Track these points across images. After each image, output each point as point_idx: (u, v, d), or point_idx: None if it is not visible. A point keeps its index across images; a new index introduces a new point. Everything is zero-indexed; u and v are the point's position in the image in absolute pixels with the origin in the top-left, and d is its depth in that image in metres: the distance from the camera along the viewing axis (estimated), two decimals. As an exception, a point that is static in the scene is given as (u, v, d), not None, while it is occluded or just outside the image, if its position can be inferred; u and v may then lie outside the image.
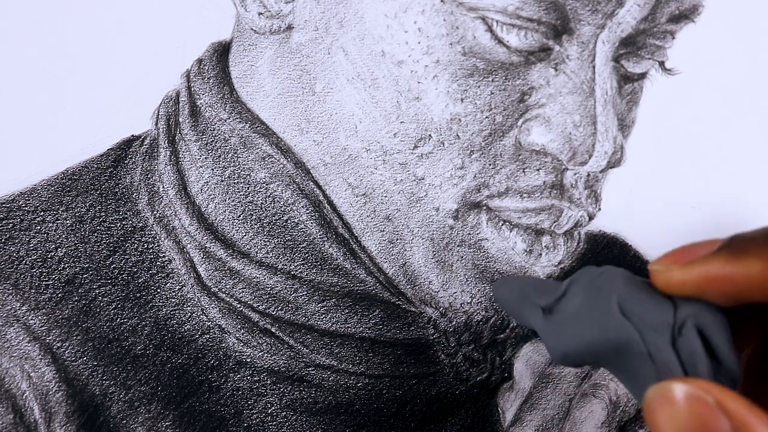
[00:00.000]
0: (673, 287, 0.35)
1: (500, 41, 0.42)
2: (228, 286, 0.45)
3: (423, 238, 0.45)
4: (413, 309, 0.47)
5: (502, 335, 0.47)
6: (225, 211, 0.46)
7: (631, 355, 0.36)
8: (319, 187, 0.45)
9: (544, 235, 0.46)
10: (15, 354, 0.44)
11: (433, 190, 0.44)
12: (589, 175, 0.45)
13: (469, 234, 0.45)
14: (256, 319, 0.45)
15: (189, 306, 0.46)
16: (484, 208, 0.45)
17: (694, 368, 0.34)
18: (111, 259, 0.46)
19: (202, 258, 0.46)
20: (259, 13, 0.45)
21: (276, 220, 0.46)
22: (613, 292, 0.37)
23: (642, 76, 0.46)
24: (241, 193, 0.46)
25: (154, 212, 0.46)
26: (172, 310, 0.46)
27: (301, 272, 0.46)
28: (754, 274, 0.32)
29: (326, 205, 0.45)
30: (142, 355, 0.45)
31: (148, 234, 0.46)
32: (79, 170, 0.47)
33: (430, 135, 0.43)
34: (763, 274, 0.32)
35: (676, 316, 0.35)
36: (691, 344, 0.34)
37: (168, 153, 0.47)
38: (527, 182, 0.44)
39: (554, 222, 0.45)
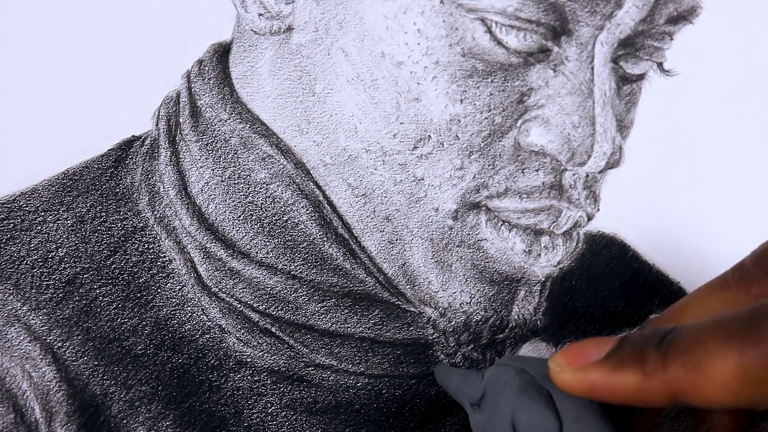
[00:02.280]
0: (566, 389, 0.37)
1: (499, 42, 0.42)
2: (228, 286, 0.46)
3: (422, 239, 0.45)
4: (413, 309, 0.47)
5: (501, 335, 0.48)
6: (225, 212, 0.46)
7: None
8: (319, 187, 0.45)
9: (543, 235, 0.46)
10: (16, 354, 0.44)
11: (432, 190, 0.44)
12: (587, 175, 0.45)
13: (469, 234, 0.45)
14: (256, 319, 0.46)
15: (189, 306, 0.46)
16: (484, 208, 0.45)
17: None
18: (112, 259, 0.46)
19: (203, 258, 0.46)
20: (260, 14, 0.45)
21: (276, 220, 0.46)
22: (506, 409, 0.39)
23: (640, 77, 0.46)
24: (242, 194, 0.46)
25: (155, 212, 0.47)
26: (172, 310, 0.46)
27: (301, 272, 0.46)
28: (632, 386, 0.35)
29: (326, 205, 0.45)
30: (142, 354, 0.45)
31: (149, 234, 0.46)
32: (79, 170, 0.47)
33: (429, 136, 0.43)
34: (639, 387, 0.34)
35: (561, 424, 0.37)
36: None
37: (168, 153, 0.47)
38: (526, 183, 0.44)
39: (553, 222, 0.45)
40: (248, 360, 0.46)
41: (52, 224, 0.46)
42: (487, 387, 0.41)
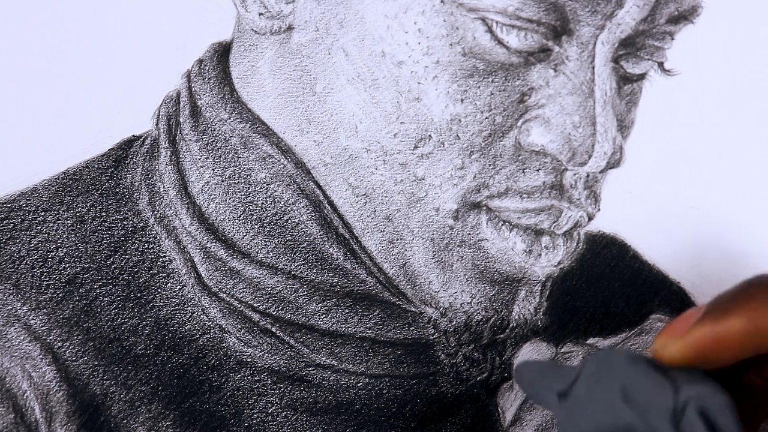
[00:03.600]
0: (675, 361, 0.36)
1: (500, 42, 0.42)
2: (228, 286, 0.45)
3: (423, 239, 0.45)
4: (413, 309, 0.47)
5: (502, 335, 0.48)
6: (225, 211, 0.46)
7: None
8: (320, 187, 0.45)
9: (544, 235, 0.46)
10: (16, 354, 0.44)
11: (433, 190, 0.44)
12: (588, 175, 0.45)
13: (469, 234, 0.45)
14: (256, 319, 0.46)
15: (189, 306, 0.46)
16: (484, 208, 0.45)
17: None
18: (112, 259, 0.46)
19: (203, 258, 0.46)
20: (260, 14, 0.45)
21: (276, 220, 0.46)
22: (615, 382, 0.38)
23: (641, 76, 0.46)
24: (242, 194, 0.46)
25: (155, 212, 0.47)
26: (172, 310, 0.46)
27: (301, 272, 0.46)
28: (740, 330, 0.34)
29: (326, 205, 0.45)
30: (142, 354, 0.45)
31: (149, 234, 0.46)
32: (79, 170, 0.47)
33: (430, 135, 0.43)
34: (748, 329, 0.34)
35: (677, 399, 0.36)
36: (693, 428, 0.35)
37: (169, 153, 0.47)
38: (527, 183, 0.44)
39: (554, 222, 0.45)
40: (248, 360, 0.46)
41: (52, 224, 0.46)
42: (588, 367, 0.40)
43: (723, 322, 0.35)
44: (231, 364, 0.46)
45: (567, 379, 0.40)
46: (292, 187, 0.45)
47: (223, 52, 0.48)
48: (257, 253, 0.46)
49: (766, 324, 0.34)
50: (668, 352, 0.36)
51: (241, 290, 0.46)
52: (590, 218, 0.47)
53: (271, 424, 0.46)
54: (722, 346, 0.35)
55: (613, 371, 0.38)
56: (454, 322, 0.47)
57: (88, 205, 0.47)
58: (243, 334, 0.46)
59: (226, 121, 0.46)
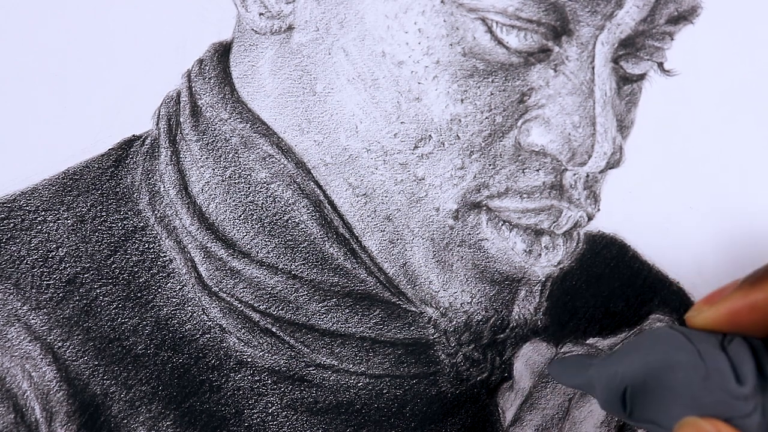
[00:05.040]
0: (709, 326, 0.37)
1: (500, 42, 0.42)
2: (229, 286, 0.45)
3: (423, 238, 0.45)
4: (414, 309, 0.47)
5: (502, 335, 0.48)
6: (226, 211, 0.46)
7: (678, 366, 0.36)
8: (320, 187, 0.45)
9: (544, 235, 0.46)
10: (16, 354, 0.44)
11: (433, 190, 0.44)
12: (588, 175, 0.45)
13: (469, 234, 0.45)
14: (256, 319, 0.46)
15: (190, 306, 0.46)
16: (484, 208, 0.45)
17: (742, 372, 0.35)
18: (112, 258, 0.46)
19: (203, 258, 0.46)
20: (260, 14, 0.45)
21: (277, 220, 0.46)
22: (657, 332, 0.38)
23: (641, 77, 0.46)
24: (242, 193, 0.46)
25: (155, 212, 0.47)
26: (172, 310, 0.46)
27: (301, 272, 0.46)
28: None
29: (327, 205, 0.45)
30: (143, 354, 0.45)
31: (149, 234, 0.46)
32: (80, 170, 0.47)
33: (430, 135, 0.43)
34: None
35: (725, 336, 0.37)
36: (740, 350, 0.35)
37: (169, 153, 0.47)
38: (527, 183, 0.44)
39: (554, 222, 0.45)
40: (249, 360, 0.46)
41: (52, 224, 0.46)
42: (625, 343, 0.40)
43: (757, 288, 0.35)
44: (231, 363, 0.46)
45: (603, 355, 0.40)
46: (292, 186, 0.45)
47: (223, 52, 0.48)
48: (257, 252, 0.46)
49: None
50: (701, 317, 0.37)
51: (241, 290, 0.46)
52: (590, 218, 0.47)
53: (272, 424, 0.46)
54: (755, 311, 0.35)
55: (655, 330, 0.38)
56: (454, 322, 0.47)
57: (89, 204, 0.47)
58: (243, 333, 0.46)
59: (226, 120, 0.46)
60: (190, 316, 0.46)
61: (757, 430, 0.35)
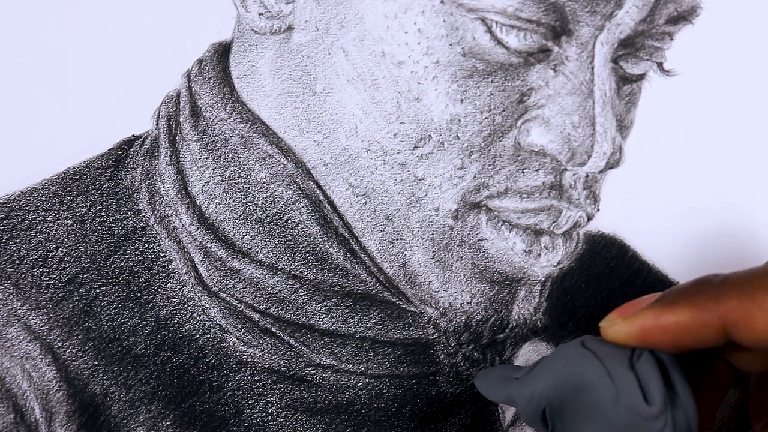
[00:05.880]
0: (619, 340, 0.38)
1: (500, 42, 0.42)
2: (228, 286, 0.46)
3: (423, 238, 0.45)
4: (413, 309, 0.47)
5: (501, 335, 0.48)
6: (226, 211, 0.46)
7: (590, 387, 0.37)
8: (320, 187, 0.45)
9: (543, 235, 0.46)
10: (16, 354, 0.44)
11: (433, 190, 0.44)
12: (587, 175, 0.45)
13: (469, 234, 0.45)
14: (256, 319, 0.46)
15: (189, 306, 0.46)
16: (484, 208, 0.45)
17: (650, 391, 0.36)
18: (112, 258, 0.46)
19: (203, 258, 0.46)
20: (260, 14, 0.45)
21: (276, 220, 0.46)
22: (571, 348, 0.39)
23: (640, 77, 0.46)
24: (242, 193, 0.46)
25: (155, 212, 0.47)
26: (172, 310, 0.46)
27: (301, 272, 0.46)
28: (683, 322, 0.36)
29: (326, 205, 0.45)
30: (142, 354, 0.45)
31: (149, 234, 0.46)
32: (79, 170, 0.47)
33: (430, 135, 0.43)
34: (690, 321, 0.36)
35: (633, 351, 0.38)
36: (648, 368, 0.36)
37: (169, 153, 0.47)
38: (526, 183, 0.44)
39: (553, 222, 0.45)
40: (248, 360, 0.46)
41: (52, 224, 0.46)
42: (544, 357, 0.41)
43: (669, 311, 0.36)
44: (231, 363, 0.46)
45: (525, 368, 0.41)
46: (292, 187, 0.45)
47: (223, 52, 0.48)
48: (257, 252, 0.46)
49: (707, 319, 0.35)
50: (613, 329, 0.38)
51: (241, 290, 0.46)
52: (589, 218, 0.47)
53: (271, 424, 0.46)
54: (664, 333, 0.36)
55: (568, 346, 0.39)
56: (454, 322, 0.47)
57: (88, 204, 0.47)
58: (243, 333, 0.46)
59: (226, 120, 0.46)
60: (190, 316, 0.46)
61: None
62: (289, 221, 0.46)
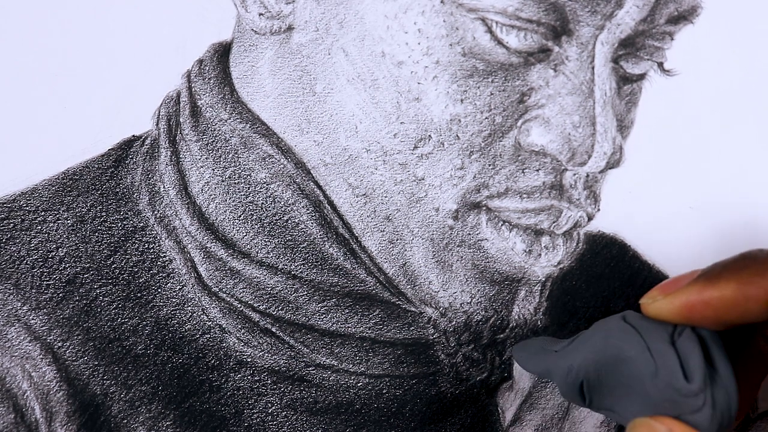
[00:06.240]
0: (662, 316, 0.38)
1: (500, 42, 0.42)
2: (228, 286, 0.46)
3: (423, 239, 0.45)
4: (413, 309, 0.47)
5: (501, 335, 0.48)
6: (226, 211, 0.46)
7: (629, 361, 0.37)
8: (320, 187, 0.45)
9: (544, 235, 0.46)
10: (16, 354, 0.44)
11: (432, 190, 0.44)
12: (588, 175, 0.45)
13: (469, 234, 0.45)
14: (256, 319, 0.46)
15: (190, 306, 0.46)
16: (484, 208, 0.45)
17: (690, 368, 0.35)
18: (112, 259, 0.46)
19: (203, 258, 0.46)
20: (260, 14, 0.45)
21: (276, 220, 0.46)
22: (616, 315, 0.39)
23: (641, 77, 0.46)
24: (242, 194, 0.46)
25: (155, 212, 0.47)
26: (172, 310, 0.46)
27: (301, 272, 0.46)
28: (728, 296, 0.36)
29: (326, 205, 0.45)
30: (142, 354, 0.45)
31: (149, 234, 0.46)
32: (79, 170, 0.47)
33: (429, 135, 0.43)
34: (736, 296, 0.36)
35: (674, 327, 0.37)
36: (689, 345, 0.36)
37: (169, 153, 0.47)
38: (527, 183, 0.44)
39: (553, 222, 0.45)
40: (248, 360, 0.46)
41: (52, 224, 0.46)
42: (584, 331, 0.41)
43: (713, 285, 0.36)
44: (231, 364, 0.46)
45: (565, 341, 0.41)
46: (292, 187, 0.45)
47: (223, 52, 0.48)
48: (257, 253, 0.46)
49: (753, 293, 0.35)
50: (655, 305, 0.38)
51: (241, 290, 0.46)
52: (590, 218, 0.47)
53: (271, 424, 0.46)
54: (708, 308, 0.36)
55: (609, 321, 0.39)
56: (454, 322, 0.47)
57: (88, 205, 0.47)
58: (243, 334, 0.46)
59: (226, 121, 0.46)
60: (190, 316, 0.46)
61: (707, 424, 0.36)
62: (289, 221, 0.46)
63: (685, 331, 0.37)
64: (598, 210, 0.47)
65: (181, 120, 0.47)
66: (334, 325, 0.46)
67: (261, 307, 0.46)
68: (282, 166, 0.45)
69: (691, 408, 0.36)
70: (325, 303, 0.46)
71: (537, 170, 0.44)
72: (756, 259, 0.36)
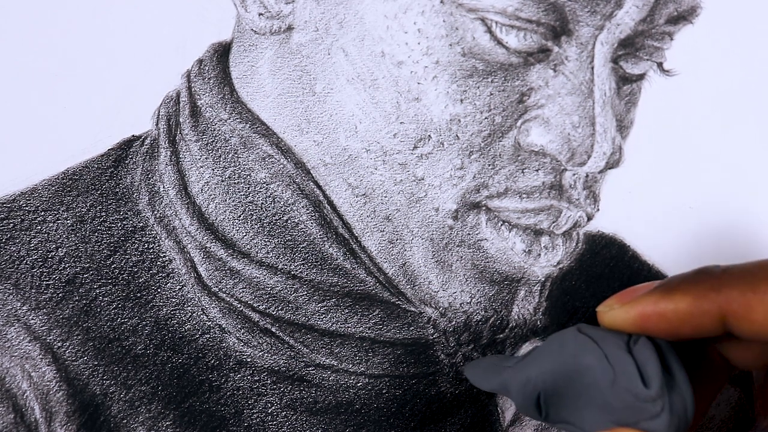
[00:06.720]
0: (616, 325, 0.38)
1: (499, 42, 0.42)
2: (228, 286, 0.46)
3: (423, 239, 0.45)
4: (413, 309, 0.47)
5: (501, 335, 0.48)
6: (225, 211, 0.46)
7: (587, 370, 0.37)
8: (320, 187, 0.46)
9: (543, 235, 0.46)
10: (16, 354, 0.44)
11: (432, 190, 0.44)
12: (587, 175, 0.45)
13: (469, 234, 0.45)
14: (256, 319, 0.46)
15: (189, 306, 0.46)
16: (484, 208, 0.45)
17: (647, 374, 0.36)
18: (111, 259, 0.46)
19: (203, 258, 0.46)
20: (260, 14, 0.45)
21: (276, 220, 0.46)
22: (572, 327, 0.39)
23: (640, 77, 0.46)
24: (242, 193, 0.46)
25: (155, 212, 0.47)
26: (172, 310, 0.46)
27: (301, 272, 0.46)
28: (682, 309, 0.36)
29: (326, 205, 0.45)
30: (142, 354, 0.45)
31: (149, 234, 0.46)
32: (79, 170, 0.47)
33: (429, 135, 0.43)
34: (690, 309, 0.36)
35: (629, 336, 0.38)
36: (645, 352, 0.36)
37: (168, 153, 0.47)
38: (526, 183, 0.44)
39: (553, 222, 0.45)
40: (248, 360, 0.46)
41: (52, 224, 0.46)
42: (537, 346, 0.41)
43: (668, 298, 0.36)
44: (231, 364, 0.46)
45: (518, 358, 0.41)
46: (291, 187, 0.45)
47: (223, 52, 0.48)
48: (257, 253, 0.46)
49: (706, 308, 0.35)
50: (611, 314, 0.38)
51: (240, 290, 0.46)
52: (589, 218, 0.47)
53: (271, 424, 0.46)
54: (663, 320, 0.36)
55: (563, 333, 0.39)
56: (454, 322, 0.47)
57: (88, 205, 0.47)
58: (243, 334, 0.46)
59: (225, 121, 0.46)
60: (190, 316, 0.46)
61: (665, 429, 0.36)
62: (289, 221, 0.46)
63: (641, 339, 0.37)
64: (598, 210, 0.47)
65: (180, 120, 0.47)
66: (334, 325, 0.46)
67: (261, 307, 0.46)
68: (282, 166, 0.45)
69: (649, 413, 0.36)
70: (325, 303, 0.46)
71: (536, 170, 0.44)
72: (711, 274, 0.36)
